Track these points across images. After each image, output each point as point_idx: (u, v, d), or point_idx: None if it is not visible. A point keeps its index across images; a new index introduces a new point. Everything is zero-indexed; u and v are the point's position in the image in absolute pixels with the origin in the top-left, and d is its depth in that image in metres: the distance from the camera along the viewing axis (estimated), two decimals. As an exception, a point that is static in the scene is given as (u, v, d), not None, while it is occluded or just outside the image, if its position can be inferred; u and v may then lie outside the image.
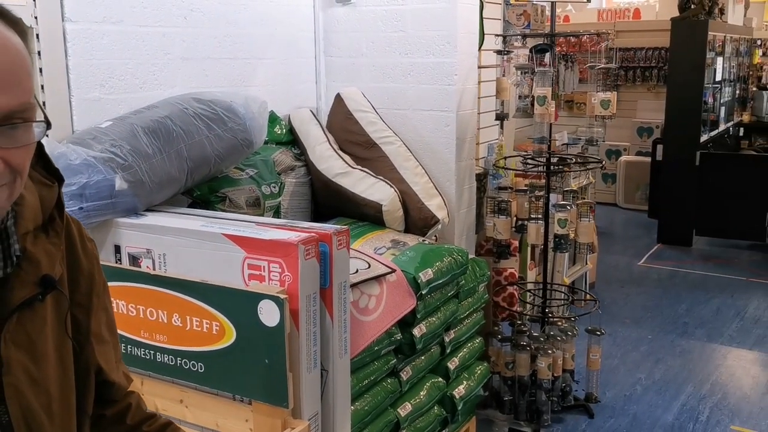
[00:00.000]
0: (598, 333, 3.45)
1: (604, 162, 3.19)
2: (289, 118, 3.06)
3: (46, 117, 0.90)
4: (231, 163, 2.44)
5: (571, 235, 3.21)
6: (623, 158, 8.25)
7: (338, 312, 1.98)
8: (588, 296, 4.17)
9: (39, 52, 2.14)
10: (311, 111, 3.08)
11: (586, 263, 4.95)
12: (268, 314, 1.80)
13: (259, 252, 1.88)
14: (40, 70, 2.14)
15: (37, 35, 2.13)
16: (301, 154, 2.96)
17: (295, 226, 2.01)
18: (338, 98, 3.06)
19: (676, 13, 7.76)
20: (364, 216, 2.79)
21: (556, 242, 3.18)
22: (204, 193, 2.40)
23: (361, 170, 2.81)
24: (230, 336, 1.88)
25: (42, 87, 2.15)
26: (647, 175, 7.67)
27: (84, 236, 1.10)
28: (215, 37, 2.73)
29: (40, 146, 1.00)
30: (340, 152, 2.89)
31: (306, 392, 1.90)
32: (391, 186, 2.75)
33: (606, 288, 5.39)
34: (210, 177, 2.39)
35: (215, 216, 2.17)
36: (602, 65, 3.13)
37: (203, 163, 2.30)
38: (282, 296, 1.77)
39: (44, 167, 1.02)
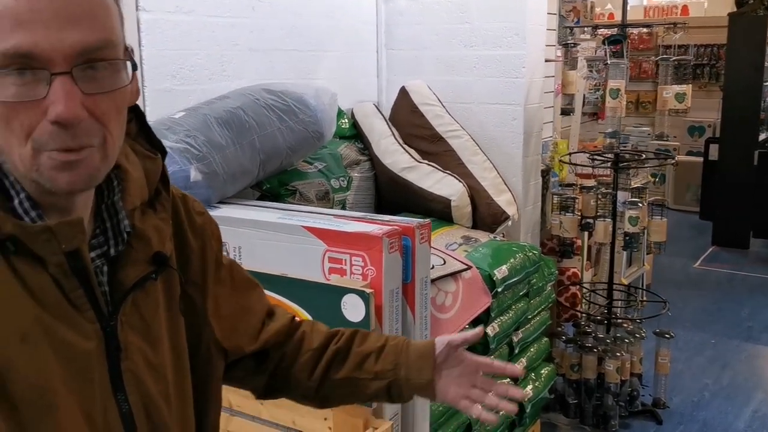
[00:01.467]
0: (668, 336, 3.33)
1: (675, 159, 3.06)
2: (352, 111, 3.00)
3: (132, 60, 0.80)
4: (301, 155, 2.39)
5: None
6: (664, 159, 8.04)
7: (420, 308, 1.91)
8: (657, 298, 4.03)
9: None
10: (374, 105, 3.02)
11: (643, 264, 4.81)
12: (352, 309, 1.74)
13: (340, 245, 1.82)
14: (114, 59, 2.12)
15: (112, 24, 2.10)
16: (365, 149, 2.90)
17: (374, 219, 1.95)
18: (403, 91, 2.99)
19: (724, 9, 7.55)
20: (431, 211, 2.72)
21: (627, 240, 3.07)
22: (274, 186, 2.35)
23: (429, 165, 2.74)
24: (310, 331, 1.82)
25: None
26: (699, 175, 7.46)
27: (192, 210, 1.02)
28: (282, 29, 2.68)
29: (140, 116, 0.94)
30: (405, 146, 2.82)
31: (388, 391, 1.83)
32: (460, 181, 2.68)
33: (662, 290, 5.18)
34: (280, 170, 2.34)
35: (290, 208, 2.12)
36: (677, 57, 3.01)
37: (275, 155, 2.25)
38: (368, 290, 1.71)
39: (146, 139, 0.95)
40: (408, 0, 3.12)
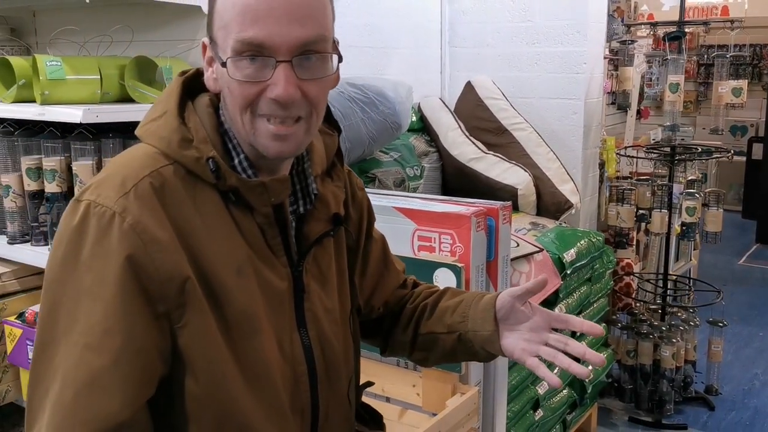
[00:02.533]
0: (721, 325, 3.42)
1: (731, 152, 3.16)
2: (419, 105, 3.15)
3: (338, 52, 0.97)
4: (380, 145, 2.55)
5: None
6: (720, 153, 8.06)
7: (501, 284, 2.05)
8: (710, 287, 4.11)
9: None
10: (440, 99, 3.17)
11: (690, 259, 4.89)
12: (444, 282, 1.89)
13: (430, 224, 1.97)
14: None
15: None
16: (432, 141, 3.05)
17: (459, 201, 2.10)
18: (469, 86, 3.14)
19: (765, 10, 7.54)
20: (497, 200, 2.83)
21: (684, 230, 3.18)
22: (355, 173, 2.51)
23: (495, 155, 2.88)
24: (403, 303, 1.98)
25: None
26: (741, 174, 7.48)
27: (354, 184, 1.20)
28: (357, 26, 2.85)
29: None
30: (471, 138, 2.96)
31: (473, 360, 1.98)
32: (526, 170, 2.82)
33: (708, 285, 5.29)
34: (362, 158, 2.51)
35: (376, 192, 2.28)
36: (733, 53, 3.11)
37: (358, 144, 2.41)
38: (459, 265, 1.86)
39: (326, 118, 1.12)
40: (472, 0, 3.27)
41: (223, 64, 0.92)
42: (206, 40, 0.97)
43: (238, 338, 0.94)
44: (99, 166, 1.97)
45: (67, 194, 1.97)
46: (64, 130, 1.98)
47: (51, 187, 1.96)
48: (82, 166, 1.92)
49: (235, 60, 0.90)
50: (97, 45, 2.14)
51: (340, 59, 0.97)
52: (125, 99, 2.07)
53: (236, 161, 0.98)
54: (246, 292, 0.95)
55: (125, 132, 2.04)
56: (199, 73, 1.02)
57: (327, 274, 1.08)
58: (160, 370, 0.90)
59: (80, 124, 1.81)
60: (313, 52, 0.92)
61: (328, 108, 1.12)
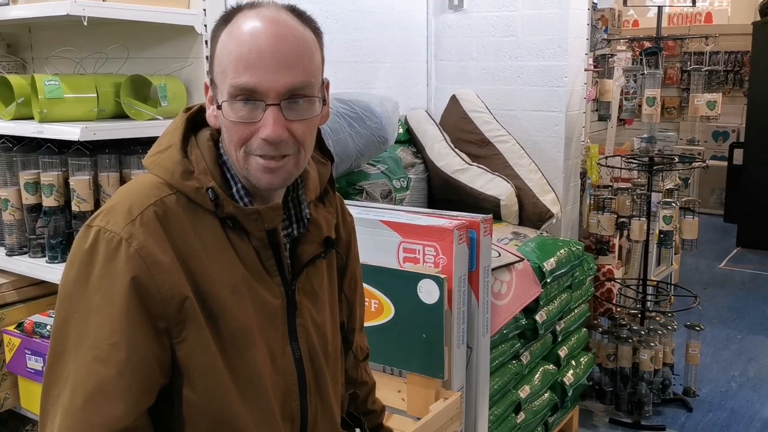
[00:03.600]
0: (698, 328, 3.54)
1: (706, 163, 3.27)
2: (405, 118, 3.24)
3: (324, 97, 1.08)
4: (367, 158, 2.64)
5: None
6: (697, 163, 8.20)
7: (483, 294, 2.14)
8: (687, 293, 4.23)
9: (207, 57, 2.37)
10: (426, 111, 3.27)
11: (672, 263, 5.01)
12: (428, 292, 1.98)
13: (414, 237, 2.07)
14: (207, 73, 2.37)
15: (206, 41, 2.36)
16: (418, 152, 3.14)
17: (442, 215, 2.19)
18: (453, 99, 3.23)
19: (748, 17, 7.71)
20: (481, 210, 2.93)
21: (661, 238, 3.29)
22: (343, 186, 2.60)
23: (478, 167, 2.98)
24: (388, 312, 2.06)
25: (208, 87, 2.38)
26: (723, 179, 7.62)
27: (345, 211, 1.30)
28: (345, 42, 2.94)
29: (317, 132, 1.20)
30: (456, 150, 3.06)
31: (456, 366, 2.07)
32: (508, 181, 2.91)
33: (689, 289, 5.41)
34: (349, 171, 2.59)
35: (363, 205, 2.36)
36: (708, 67, 3.22)
37: (346, 158, 2.50)
38: (442, 276, 1.95)
39: (319, 149, 1.21)
40: (456, 14, 3.37)
41: (219, 107, 1.02)
42: (207, 80, 1.08)
43: (232, 351, 1.04)
44: (95, 181, 2.05)
45: (64, 208, 2.05)
46: (62, 145, 2.06)
47: (48, 201, 2.03)
48: (78, 181, 2.00)
49: (230, 102, 1.01)
50: (94, 62, 2.22)
51: (324, 102, 1.08)
52: (120, 115, 2.15)
53: (234, 190, 1.08)
54: (241, 309, 1.04)
55: (121, 148, 2.12)
56: (201, 109, 1.12)
57: (318, 292, 1.18)
58: (160, 381, 1.00)
59: (77, 141, 1.88)
60: (300, 96, 1.03)
61: (322, 139, 1.22)
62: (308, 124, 1.05)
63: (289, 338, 1.12)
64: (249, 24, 1.00)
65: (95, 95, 2.05)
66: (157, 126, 2.15)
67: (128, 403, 0.95)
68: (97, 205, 2.05)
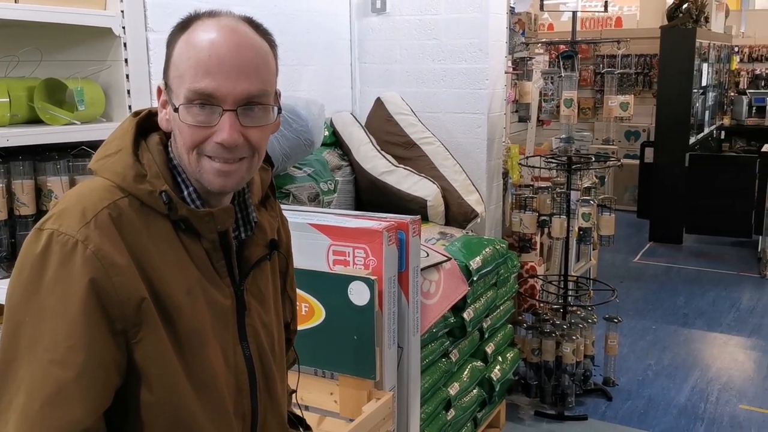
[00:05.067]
0: (616, 320, 3.69)
1: (620, 162, 3.42)
2: (331, 120, 3.25)
3: (279, 105, 1.11)
4: (294, 161, 2.63)
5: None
6: (612, 161, 8.56)
7: (412, 294, 2.18)
8: (606, 287, 4.40)
9: (126, 60, 2.31)
10: (351, 114, 3.28)
11: (590, 259, 5.20)
12: (358, 294, 1.99)
13: (344, 239, 2.08)
14: (127, 76, 2.31)
15: (125, 44, 2.30)
16: (345, 155, 3.15)
17: (371, 216, 2.20)
18: (378, 102, 3.26)
19: (656, 21, 8.10)
20: (408, 211, 2.97)
21: (581, 235, 3.41)
22: (270, 189, 2.58)
23: (405, 168, 3.01)
24: (319, 315, 2.07)
25: (128, 92, 2.31)
26: (636, 177, 7.97)
27: (283, 215, 1.32)
28: (269, 45, 2.91)
29: None
30: (383, 152, 3.09)
31: (387, 366, 2.09)
32: (434, 183, 2.96)
33: (607, 283, 5.64)
34: (275, 174, 2.57)
35: (291, 209, 2.35)
36: (620, 70, 3.37)
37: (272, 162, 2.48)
38: (372, 277, 1.97)
39: None
40: (379, 18, 3.40)
41: (176, 110, 1.03)
42: (162, 84, 1.09)
43: (188, 351, 1.05)
44: (8, 189, 1.97)
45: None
46: (-28, 152, 1.96)
47: (-41, 210, 1.94)
48: (-9, 189, 1.91)
49: (187, 106, 1.02)
50: (5, 65, 2.12)
51: (280, 110, 1.11)
52: (35, 120, 2.07)
53: (185, 193, 1.09)
54: (195, 309, 1.06)
55: (35, 154, 2.03)
56: (150, 113, 1.12)
57: (265, 293, 1.20)
58: (116, 382, 1.01)
59: (-11, 148, 1.80)
60: (256, 104, 1.05)
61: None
62: (263, 131, 1.08)
63: (239, 338, 1.14)
64: (208, 32, 1.03)
65: (7, 100, 1.97)
66: (75, 131, 2.08)
67: (87, 406, 0.96)
68: (11, 213, 1.98)
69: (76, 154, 2.10)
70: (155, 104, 1.12)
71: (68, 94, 2.12)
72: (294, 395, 1.52)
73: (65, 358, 0.95)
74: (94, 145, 2.12)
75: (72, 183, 2.07)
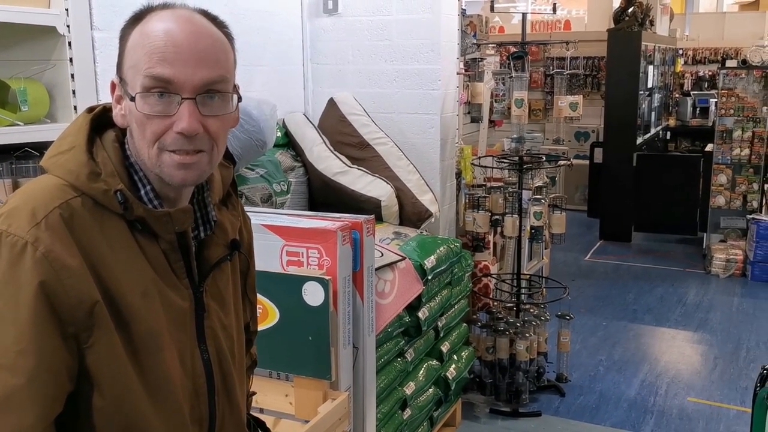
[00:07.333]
0: (568, 318, 3.76)
1: (571, 161, 3.48)
2: (284, 121, 3.23)
3: (238, 94, 1.08)
4: (245, 162, 2.60)
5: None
6: (562, 161, 8.71)
7: (367, 293, 2.17)
8: (558, 284, 4.47)
9: (71, 59, 2.25)
10: (304, 114, 3.26)
11: (542, 258, 5.28)
12: (312, 295, 1.98)
13: (297, 240, 2.06)
14: (72, 76, 2.25)
15: (69, 43, 2.24)
16: (298, 155, 3.14)
17: (325, 216, 2.20)
18: (331, 102, 3.25)
19: (604, 24, 8.29)
20: (362, 211, 2.96)
21: (533, 233, 3.46)
22: (222, 190, 2.54)
23: (359, 169, 3.01)
24: (273, 317, 2.05)
25: (74, 92, 2.26)
26: (586, 176, 8.13)
27: (246, 214, 1.29)
28: (219, 45, 2.87)
29: None
30: (336, 153, 3.08)
31: (342, 366, 2.08)
32: (388, 183, 2.97)
33: (559, 281, 5.73)
34: (228, 175, 2.54)
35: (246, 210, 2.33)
36: (570, 71, 3.43)
37: (224, 162, 2.45)
38: (326, 277, 1.96)
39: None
40: (332, 18, 3.39)
41: (132, 99, 1.00)
42: (116, 79, 1.05)
43: (143, 355, 1.02)
44: (-51, 192, 1.90)
45: None
46: None
47: None
48: (-71, 193, 1.84)
49: (144, 95, 0.99)
50: (-59, 65, 2.05)
51: (239, 100, 1.08)
52: (-25, 122, 2.00)
53: (142, 192, 1.06)
54: (150, 312, 1.03)
55: (-23, 156, 1.97)
56: (104, 110, 1.08)
57: (224, 294, 1.17)
58: (68, 387, 0.98)
59: (-73, 150, 1.73)
60: (216, 92, 1.02)
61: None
62: (222, 121, 1.05)
63: (197, 341, 1.11)
64: (164, 21, 1.00)
65: (-55, 99, 1.90)
66: (18, 132, 2.02)
67: (38, 412, 0.93)
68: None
69: (20, 156, 2.04)
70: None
71: (11, 94, 2.06)
72: (253, 398, 1.50)
73: (15, 363, 0.92)
74: (38, 146, 2.06)
75: (15, 186, 2.01)
